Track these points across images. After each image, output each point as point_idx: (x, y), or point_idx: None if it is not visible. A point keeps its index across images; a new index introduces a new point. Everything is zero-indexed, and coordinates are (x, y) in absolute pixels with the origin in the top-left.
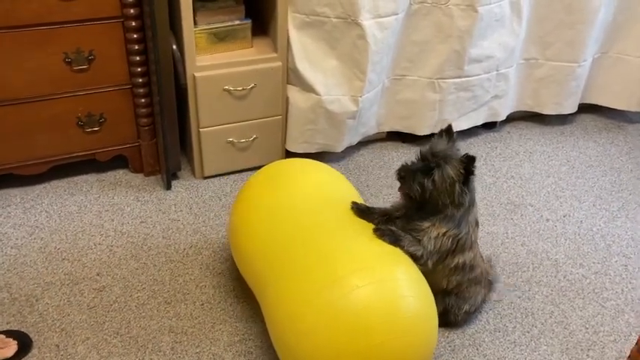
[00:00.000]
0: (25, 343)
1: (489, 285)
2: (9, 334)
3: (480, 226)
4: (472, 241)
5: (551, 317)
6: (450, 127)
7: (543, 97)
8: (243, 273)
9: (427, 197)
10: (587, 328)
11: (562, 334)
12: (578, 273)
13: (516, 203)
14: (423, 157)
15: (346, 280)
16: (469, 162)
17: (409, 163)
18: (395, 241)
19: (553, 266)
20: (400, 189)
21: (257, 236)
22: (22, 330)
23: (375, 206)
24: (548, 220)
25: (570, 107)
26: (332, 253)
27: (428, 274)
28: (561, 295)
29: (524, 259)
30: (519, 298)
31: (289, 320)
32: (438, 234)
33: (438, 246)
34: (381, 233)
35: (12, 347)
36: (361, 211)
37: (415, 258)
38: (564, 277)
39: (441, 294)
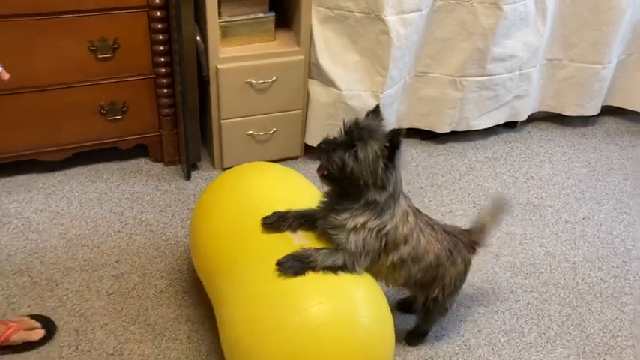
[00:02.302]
0: (50, 330)
1: (466, 255)
2: (36, 318)
3: (498, 226)
4: (406, 234)
5: (568, 320)
6: (377, 107)
7: (565, 99)
8: (202, 280)
9: (347, 175)
10: (605, 332)
11: (579, 337)
12: (596, 276)
13: (535, 204)
14: (347, 131)
15: (300, 297)
16: (395, 135)
17: (331, 137)
18: (302, 269)
19: (571, 268)
20: (319, 169)
21: (212, 249)
22: (47, 315)
23: (292, 210)
24: (567, 222)
25: (593, 109)
26: None
27: (376, 276)
28: (579, 298)
29: (542, 260)
30: (536, 299)
31: (238, 335)
32: (356, 225)
33: (361, 244)
34: (283, 268)
35: (38, 332)
36: (270, 225)
37: (338, 268)
38: (582, 280)
39: (407, 289)
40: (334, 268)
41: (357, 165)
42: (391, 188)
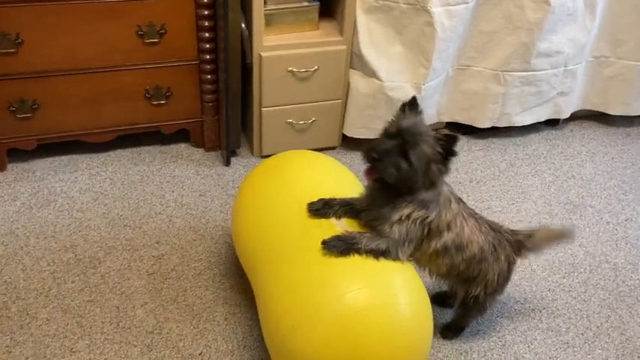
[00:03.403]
0: None
1: (511, 254)
2: None
3: (538, 225)
4: (449, 220)
5: (607, 321)
6: (414, 100)
7: (611, 97)
8: (243, 265)
9: (401, 180)
10: None
11: (618, 339)
12: (638, 279)
13: (576, 203)
14: (391, 135)
15: (340, 283)
16: (451, 142)
17: (377, 142)
18: (346, 250)
19: (612, 270)
20: (368, 173)
21: (254, 234)
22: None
23: (337, 197)
24: (608, 222)
25: (639, 109)
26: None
27: (419, 264)
28: (619, 300)
29: (581, 260)
30: (574, 299)
31: (279, 317)
32: (401, 216)
33: (404, 233)
34: (328, 247)
35: None
36: (317, 211)
37: (381, 253)
38: (623, 282)
39: (446, 281)
40: (377, 253)
41: (412, 170)
42: (441, 186)
